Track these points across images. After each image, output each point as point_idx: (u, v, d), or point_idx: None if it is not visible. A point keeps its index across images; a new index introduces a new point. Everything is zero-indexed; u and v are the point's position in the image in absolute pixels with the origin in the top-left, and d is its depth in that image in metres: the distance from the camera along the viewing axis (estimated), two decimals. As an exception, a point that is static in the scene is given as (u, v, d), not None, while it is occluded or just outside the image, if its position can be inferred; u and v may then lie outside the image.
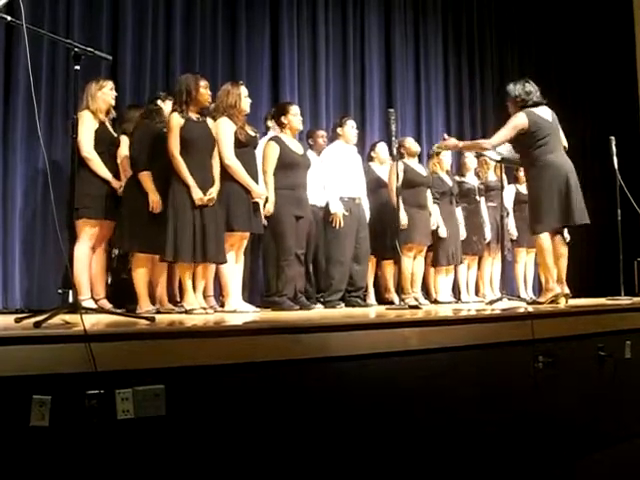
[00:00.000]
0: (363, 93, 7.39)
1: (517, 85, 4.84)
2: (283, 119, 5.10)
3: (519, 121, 4.70)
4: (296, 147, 5.11)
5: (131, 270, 4.58)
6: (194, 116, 4.32)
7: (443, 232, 6.23)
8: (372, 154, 6.21)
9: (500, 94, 5.02)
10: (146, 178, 4.38)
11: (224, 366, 2.48)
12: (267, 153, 4.98)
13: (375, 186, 5.98)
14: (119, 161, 4.66)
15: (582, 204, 4.71)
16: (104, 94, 4.56)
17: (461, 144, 5.04)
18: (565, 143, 4.87)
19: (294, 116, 5.13)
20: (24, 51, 4.05)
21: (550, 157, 4.67)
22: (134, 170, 4.45)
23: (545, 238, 4.69)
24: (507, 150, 5.36)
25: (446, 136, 5.15)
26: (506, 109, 4.93)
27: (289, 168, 4.97)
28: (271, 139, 5.08)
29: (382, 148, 6.15)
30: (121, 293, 4.78)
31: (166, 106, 4.63)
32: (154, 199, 4.34)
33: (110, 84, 4.64)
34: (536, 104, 4.78)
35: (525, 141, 4.73)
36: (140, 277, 4.43)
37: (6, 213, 5.09)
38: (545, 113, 4.80)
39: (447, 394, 3.13)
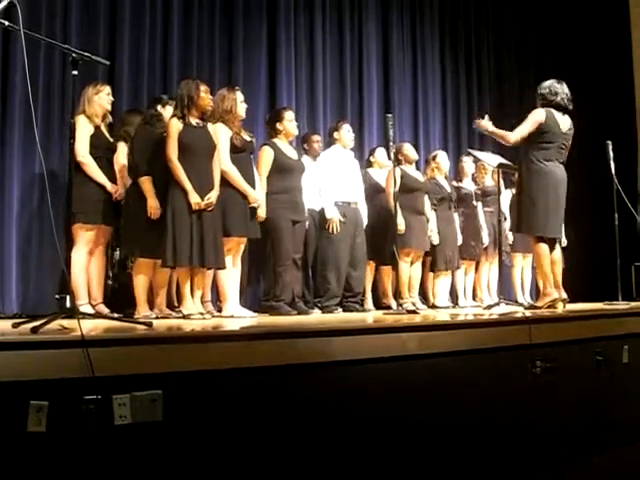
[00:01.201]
0: (361, 98, 7.39)
1: (548, 83, 4.82)
2: (278, 125, 5.11)
3: (537, 116, 4.70)
4: (290, 152, 5.12)
5: (130, 275, 4.58)
6: (194, 121, 4.30)
7: (435, 239, 6.23)
8: (371, 159, 6.22)
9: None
10: (147, 183, 4.37)
11: (222, 371, 2.48)
12: (261, 158, 4.99)
13: (373, 191, 5.99)
14: (116, 168, 4.66)
15: (562, 219, 4.74)
16: (100, 99, 4.56)
17: (491, 129, 4.90)
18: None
19: (289, 122, 5.13)
20: (21, 56, 4.03)
21: (547, 165, 4.66)
22: (135, 175, 4.45)
23: (543, 243, 4.69)
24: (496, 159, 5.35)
25: (487, 117, 4.98)
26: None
27: (284, 173, 4.98)
28: (265, 144, 5.09)
29: (381, 153, 6.15)
30: (119, 298, 4.77)
31: (166, 111, 4.62)
32: (152, 205, 4.33)
33: (107, 89, 4.63)
34: (558, 107, 4.74)
35: (531, 137, 4.69)
36: (140, 283, 4.43)
37: (3, 218, 5.07)
38: (564, 122, 4.76)
39: (445, 398, 3.13)
